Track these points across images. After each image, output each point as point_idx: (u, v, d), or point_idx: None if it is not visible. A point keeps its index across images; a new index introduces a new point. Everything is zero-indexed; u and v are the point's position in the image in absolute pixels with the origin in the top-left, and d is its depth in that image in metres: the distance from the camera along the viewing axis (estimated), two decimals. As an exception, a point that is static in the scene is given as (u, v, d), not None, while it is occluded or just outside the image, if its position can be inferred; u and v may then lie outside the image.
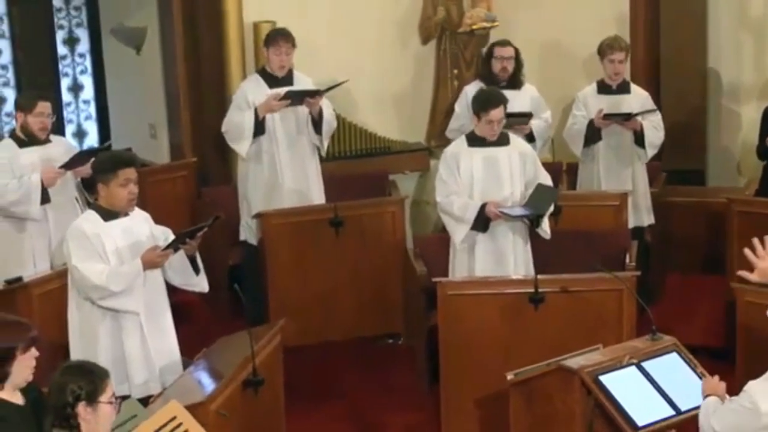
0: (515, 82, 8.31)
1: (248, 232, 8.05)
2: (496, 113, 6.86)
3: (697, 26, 9.48)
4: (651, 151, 8.16)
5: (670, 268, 8.67)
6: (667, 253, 8.65)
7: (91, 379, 4.21)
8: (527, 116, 8.09)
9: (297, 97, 7.79)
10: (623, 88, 8.26)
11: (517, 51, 8.34)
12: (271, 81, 7.91)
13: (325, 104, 7.96)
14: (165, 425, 4.53)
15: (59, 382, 4.20)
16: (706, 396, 4.87)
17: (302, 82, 7.98)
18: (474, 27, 9.21)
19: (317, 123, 7.93)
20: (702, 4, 9.43)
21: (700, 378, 5.46)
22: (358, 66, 8.99)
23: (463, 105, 8.33)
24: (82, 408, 4.16)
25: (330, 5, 9.10)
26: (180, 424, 4.57)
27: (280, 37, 7.89)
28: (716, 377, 5.03)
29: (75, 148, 7.65)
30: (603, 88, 8.27)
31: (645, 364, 5.52)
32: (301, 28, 8.20)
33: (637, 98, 8.25)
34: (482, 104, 6.92)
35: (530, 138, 8.02)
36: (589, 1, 9.34)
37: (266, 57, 8.01)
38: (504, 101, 6.95)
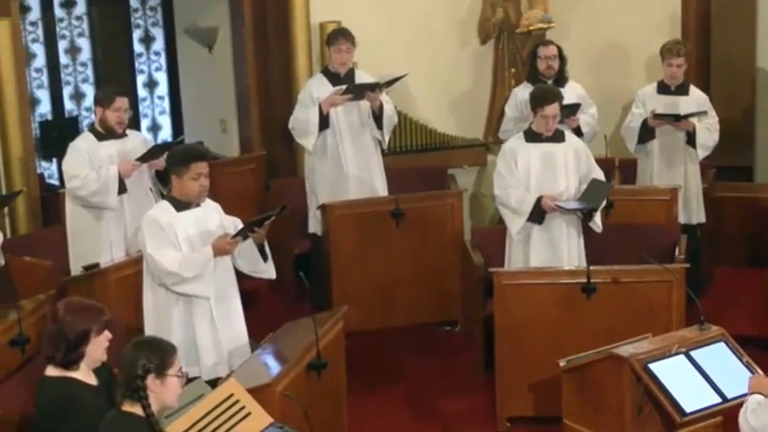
0: (560, 79, 8.37)
1: (316, 224, 8.18)
2: (551, 109, 6.99)
3: (747, 26, 9.47)
4: (702, 152, 8.17)
5: (718, 260, 8.68)
6: (715, 246, 8.65)
7: (160, 353, 4.29)
8: (576, 107, 8.14)
9: (358, 91, 7.91)
10: (682, 90, 8.29)
11: (559, 49, 8.40)
12: (334, 79, 8.06)
13: (386, 100, 8.08)
14: (223, 402, 4.57)
15: (130, 356, 4.27)
16: (751, 393, 4.81)
17: (363, 80, 8.10)
18: (531, 28, 9.30)
19: (378, 118, 8.06)
20: (752, 5, 9.40)
21: (747, 367, 5.50)
22: (419, 65, 9.09)
23: (512, 107, 8.44)
24: (151, 380, 4.24)
25: (393, 7, 9.23)
26: (237, 401, 4.60)
27: (340, 36, 8.04)
28: (763, 375, 5.05)
29: (150, 142, 7.70)
30: (662, 88, 8.31)
31: (693, 353, 5.56)
32: (365, 29, 8.37)
33: (695, 100, 8.27)
34: (538, 100, 7.06)
35: (577, 132, 8.07)
36: (642, 2, 9.36)
37: (328, 56, 8.17)
38: (559, 98, 7.07)
